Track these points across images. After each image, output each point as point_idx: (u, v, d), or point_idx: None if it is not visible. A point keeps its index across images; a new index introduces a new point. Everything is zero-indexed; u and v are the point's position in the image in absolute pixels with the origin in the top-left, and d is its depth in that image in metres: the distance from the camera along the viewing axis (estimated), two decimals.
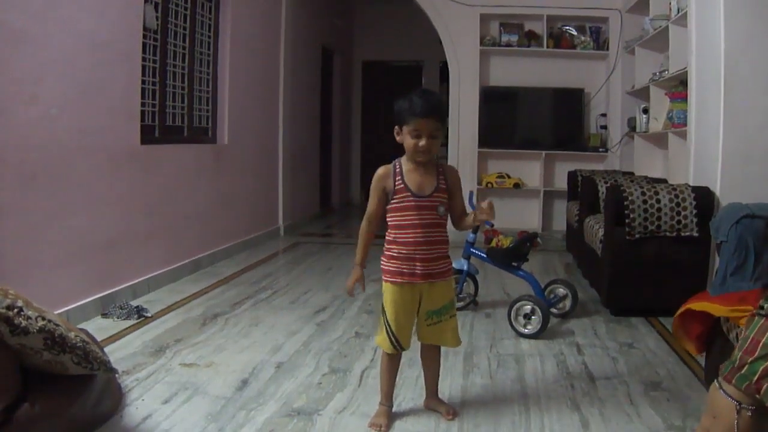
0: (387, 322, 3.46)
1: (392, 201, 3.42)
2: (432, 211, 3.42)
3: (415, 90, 3.40)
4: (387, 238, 3.49)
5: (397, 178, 3.42)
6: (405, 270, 3.42)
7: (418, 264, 3.42)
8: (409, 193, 3.39)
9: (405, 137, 3.36)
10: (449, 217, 3.57)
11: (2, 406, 2.91)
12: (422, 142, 3.31)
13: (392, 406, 3.63)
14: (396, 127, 3.40)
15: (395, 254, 3.44)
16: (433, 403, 3.72)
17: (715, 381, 2.40)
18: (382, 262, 3.49)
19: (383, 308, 3.49)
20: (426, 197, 3.41)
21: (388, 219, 3.48)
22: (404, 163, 3.46)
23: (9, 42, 4.43)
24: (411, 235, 3.41)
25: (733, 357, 2.35)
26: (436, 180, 3.45)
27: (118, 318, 5.25)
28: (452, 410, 3.65)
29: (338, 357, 4.52)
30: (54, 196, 4.88)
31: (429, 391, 3.75)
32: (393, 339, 3.46)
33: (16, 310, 3.06)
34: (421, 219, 3.40)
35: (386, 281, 3.48)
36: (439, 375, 3.75)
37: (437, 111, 3.36)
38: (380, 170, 3.46)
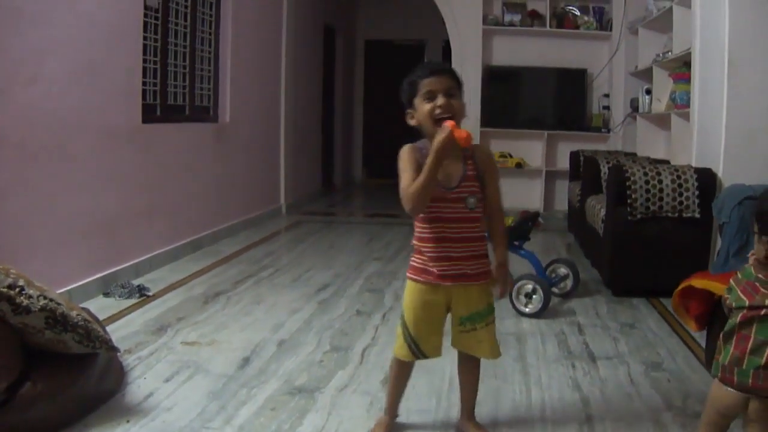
0: (404, 325, 3.07)
1: None
2: (460, 204, 2.97)
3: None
4: (416, 233, 3.06)
5: (425, 162, 2.88)
6: (430, 268, 3.00)
7: (445, 264, 2.98)
8: (445, 181, 2.96)
9: (420, 109, 2.95)
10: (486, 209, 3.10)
11: (5, 384, 2.92)
12: (439, 101, 2.89)
13: (396, 417, 3.30)
14: (408, 110, 3.03)
15: (425, 250, 3.01)
16: (467, 426, 3.28)
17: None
18: (411, 259, 3.11)
19: (402, 310, 3.11)
20: (453, 189, 2.96)
21: None
22: (426, 145, 2.95)
23: (9, 21, 4.42)
24: (438, 231, 2.97)
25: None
26: (463, 165, 2.99)
27: (119, 297, 5.26)
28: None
29: (340, 335, 4.53)
30: (55, 175, 4.87)
31: (464, 410, 3.31)
32: (412, 345, 3.06)
33: (17, 289, 3.07)
34: (450, 213, 2.96)
35: (409, 279, 3.08)
36: (476, 392, 3.31)
37: (448, 69, 3.01)
38: (407, 147, 2.97)
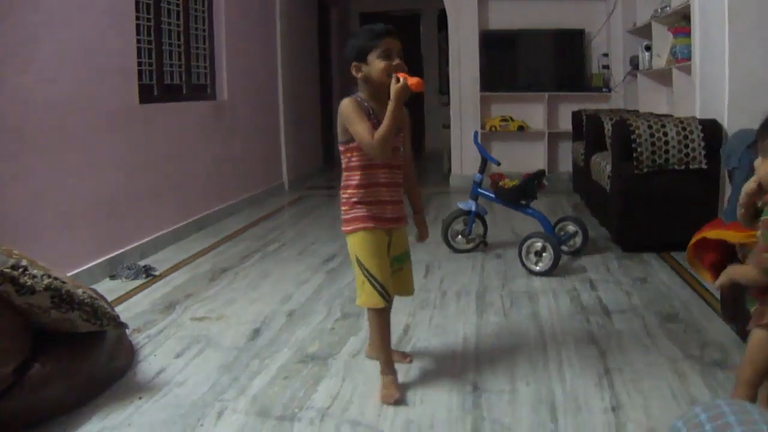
0: (369, 274, 3.17)
1: None
2: (396, 152, 3.23)
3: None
4: (349, 182, 3.20)
5: (369, 113, 3.13)
6: (377, 214, 3.19)
7: (387, 207, 3.22)
8: None
9: (372, 65, 3.09)
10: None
11: (13, 366, 2.89)
12: (396, 61, 3.08)
13: (396, 373, 3.31)
14: (354, 63, 3.14)
15: (364, 199, 3.18)
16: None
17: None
18: (344, 211, 3.22)
19: (359, 262, 3.19)
20: (399, 137, 3.22)
21: (350, 159, 3.18)
22: (368, 98, 3.17)
23: (0, 6, 4.37)
24: (381, 177, 3.19)
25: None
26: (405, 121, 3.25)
27: (126, 279, 5.22)
28: (408, 356, 3.61)
29: (350, 302, 4.48)
30: (55, 159, 4.83)
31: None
32: (381, 289, 3.17)
33: (21, 270, 3.03)
34: (389, 160, 3.19)
35: (356, 230, 3.19)
36: None
37: (396, 32, 3.16)
38: (350, 100, 3.14)
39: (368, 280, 3.17)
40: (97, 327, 3.26)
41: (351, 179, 3.19)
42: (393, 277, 3.28)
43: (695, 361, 3.44)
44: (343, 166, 3.22)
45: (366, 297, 3.20)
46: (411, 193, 3.49)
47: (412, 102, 3.18)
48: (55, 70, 4.85)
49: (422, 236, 3.57)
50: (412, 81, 3.01)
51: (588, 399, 3.07)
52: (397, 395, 3.15)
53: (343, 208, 3.23)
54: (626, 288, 4.69)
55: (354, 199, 3.18)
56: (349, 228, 3.21)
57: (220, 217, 7.50)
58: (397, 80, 3.00)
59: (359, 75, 3.15)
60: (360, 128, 3.05)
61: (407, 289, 3.45)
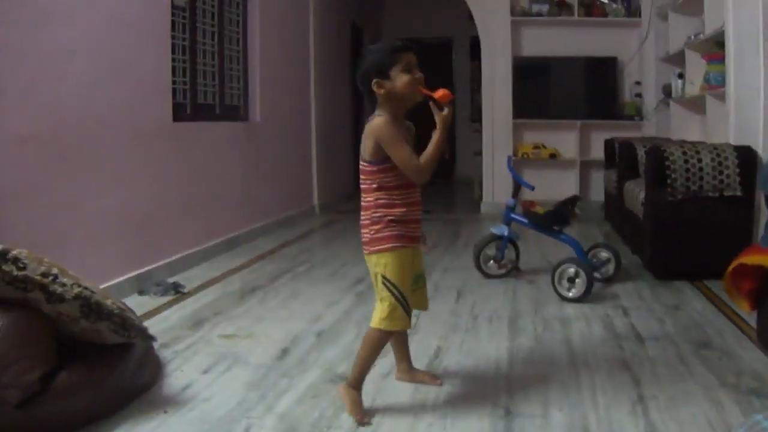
0: (401, 295, 3.10)
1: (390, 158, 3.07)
2: None
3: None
4: (380, 201, 3.13)
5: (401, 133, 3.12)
6: (409, 233, 3.16)
7: (416, 225, 3.22)
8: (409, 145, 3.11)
9: (396, 79, 3.06)
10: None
11: (39, 374, 2.87)
12: (417, 74, 3.09)
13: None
14: (375, 80, 3.08)
15: (401, 218, 3.12)
16: (415, 375, 3.55)
17: None
18: (375, 230, 3.13)
19: (389, 282, 3.10)
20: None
21: (382, 179, 3.12)
22: (389, 115, 3.11)
23: (35, 19, 4.39)
24: (411, 196, 3.17)
25: None
26: (409, 132, 3.24)
27: (155, 295, 5.20)
28: (437, 378, 3.56)
29: None
30: (87, 174, 4.84)
31: (408, 362, 3.57)
32: (408, 311, 3.15)
33: (51, 277, 3.03)
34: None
35: (392, 249, 3.10)
36: None
37: (413, 47, 3.15)
38: (384, 118, 3.07)
39: (400, 302, 3.11)
40: (124, 339, 3.24)
41: (384, 198, 3.13)
42: (415, 295, 3.29)
43: (731, 389, 3.37)
44: (372, 185, 3.16)
45: (394, 320, 3.13)
46: None
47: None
48: (90, 85, 4.87)
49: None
50: (440, 94, 3.04)
51: (622, 426, 3.01)
52: (366, 418, 3.12)
53: (373, 227, 3.13)
54: (659, 315, 4.62)
55: (390, 218, 3.11)
56: (382, 247, 3.11)
57: (250, 238, 7.49)
58: (440, 108, 3.04)
59: (382, 91, 3.10)
60: (403, 152, 3.03)
61: (425, 305, 3.49)
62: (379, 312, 3.15)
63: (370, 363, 3.24)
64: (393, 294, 3.10)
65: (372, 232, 3.14)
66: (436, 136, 3.05)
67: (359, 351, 3.24)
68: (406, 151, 3.03)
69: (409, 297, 3.14)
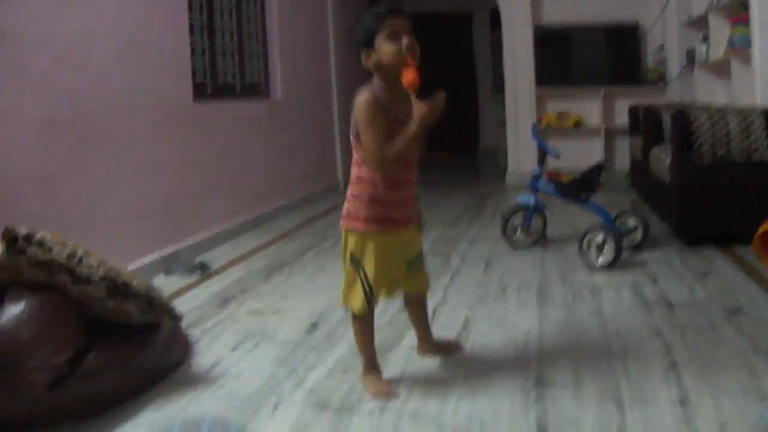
0: (365, 278, 3.02)
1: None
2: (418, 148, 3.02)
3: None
4: (361, 176, 3.00)
5: (387, 108, 2.91)
6: (394, 215, 3.02)
7: (405, 207, 3.07)
8: (402, 125, 2.88)
9: (381, 49, 2.86)
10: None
11: (68, 356, 2.87)
12: (405, 40, 2.82)
13: (381, 369, 3.24)
14: (363, 50, 2.92)
15: (382, 198, 2.98)
16: (434, 346, 3.48)
17: None
18: (353, 207, 3.03)
19: (355, 261, 3.04)
20: None
21: (363, 155, 2.97)
22: (381, 90, 2.93)
23: (54, 3, 4.41)
24: (402, 175, 3.00)
25: None
26: (410, 107, 2.87)
27: (181, 274, 5.21)
28: (457, 344, 3.55)
29: None
30: (110, 156, 4.86)
31: (427, 337, 3.47)
32: (369, 298, 3.05)
33: (77, 260, 3.03)
34: (413, 158, 3.03)
35: (363, 230, 3.00)
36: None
37: (404, 10, 2.91)
38: (369, 99, 2.87)
39: (361, 283, 3.03)
40: (152, 318, 3.25)
41: (365, 175, 2.99)
42: (413, 279, 3.24)
43: (764, 355, 3.32)
44: (356, 159, 3.02)
45: (353, 299, 3.08)
46: None
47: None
48: (111, 67, 4.88)
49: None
50: (406, 77, 2.79)
51: (655, 392, 2.98)
52: (388, 390, 3.08)
53: (353, 203, 3.03)
54: (689, 282, 4.57)
55: (368, 198, 2.98)
56: (355, 225, 3.03)
57: (275, 215, 7.50)
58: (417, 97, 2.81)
59: (370, 62, 2.93)
60: (370, 136, 2.85)
61: (425, 288, 3.39)
62: (342, 289, 3.14)
63: (362, 343, 3.20)
64: (357, 273, 3.05)
65: (351, 207, 3.05)
66: (409, 130, 2.83)
67: None
68: (375, 138, 2.84)
69: (374, 283, 3.03)
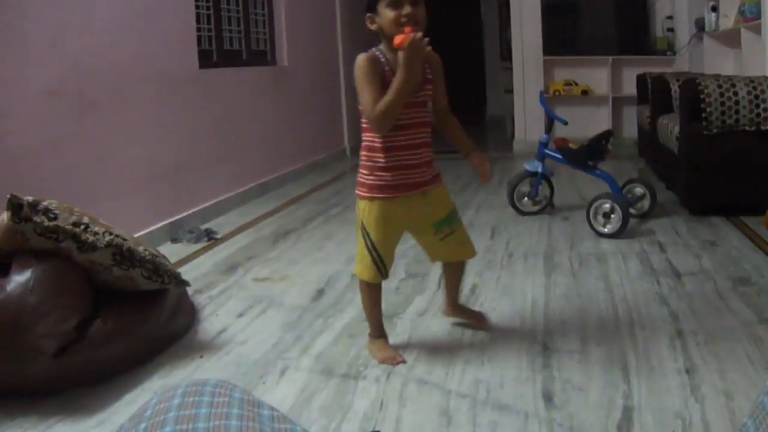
0: (372, 246, 3.01)
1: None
2: (423, 107, 2.98)
3: None
4: (372, 144, 2.97)
5: (386, 69, 2.89)
6: (395, 181, 2.96)
7: (409, 172, 2.98)
8: None
9: (382, 15, 2.84)
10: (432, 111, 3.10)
11: (74, 323, 2.88)
12: (405, 10, 2.79)
13: (386, 334, 3.23)
14: (368, 15, 2.91)
15: (382, 164, 2.95)
16: (457, 311, 3.44)
17: None
18: (363, 175, 3.02)
19: (364, 230, 3.02)
20: (418, 93, 2.93)
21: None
22: (386, 51, 2.93)
23: None
24: (402, 139, 2.94)
25: None
26: (422, 70, 2.93)
27: (188, 242, 5.22)
28: (482, 316, 3.45)
29: (414, 263, 4.41)
30: (116, 124, 4.84)
31: (451, 299, 3.42)
32: (380, 264, 3.04)
33: (82, 227, 3.03)
34: (412, 118, 2.93)
35: (368, 198, 2.99)
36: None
37: None
38: (364, 57, 2.88)
39: (369, 252, 3.03)
40: (158, 285, 3.24)
41: (374, 142, 2.96)
42: (444, 245, 3.17)
43: None
44: (364, 125, 2.99)
45: (362, 268, 3.08)
46: (456, 137, 3.24)
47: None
48: (114, 35, 4.85)
49: (484, 173, 3.32)
50: (397, 41, 2.76)
51: (661, 361, 2.98)
52: (399, 357, 3.08)
53: (362, 171, 3.03)
54: (696, 251, 4.56)
55: (376, 164, 2.97)
56: (363, 193, 3.02)
57: (281, 182, 7.50)
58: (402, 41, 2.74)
59: (374, 27, 2.92)
60: (366, 95, 2.84)
61: (465, 252, 3.29)
62: (355, 257, 3.14)
63: (369, 310, 3.19)
64: (365, 242, 3.03)
65: (360, 176, 3.05)
66: (395, 81, 2.80)
67: None
68: (369, 95, 2.83)
69: (383, 251, 3.03)
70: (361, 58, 2.88)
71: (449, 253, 3.25)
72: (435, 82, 3.05)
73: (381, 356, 3.09)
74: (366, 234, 3.02)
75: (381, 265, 3.05)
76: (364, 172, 3.01)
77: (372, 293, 3.16)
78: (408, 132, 2.95)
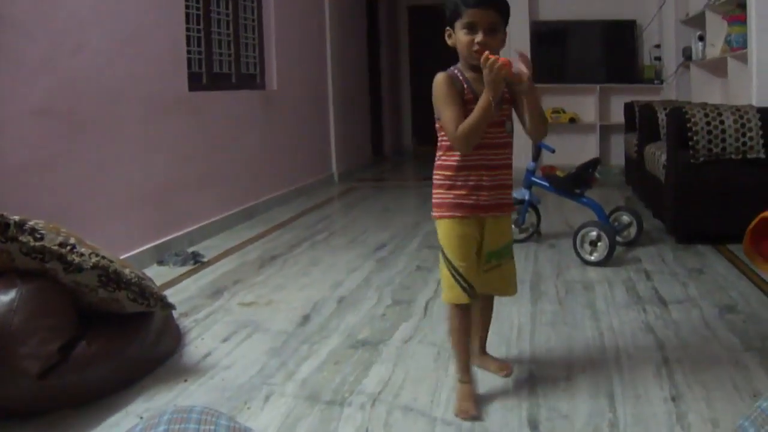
0: (452, 266, 2.87)
1: None
2: (500, 128, 2.86)
3: None
4: (447, 162, 2.87)
5: (465, 87, 2.81)
6: (468, 201, 2.84)
7: (483, 193, 2.85)
8: None
9: (458, 36, 2.78)
10: (523, 129, 2.91)
11: (58, 345, 2.86)
12: (478, 38, 2.71)
13: (474, 381, 3.01)
14: (447, 29, 2.83)
15: (458, 182, 2.85)
16: (484, 360, 3.22)
17: None
18: (436, 195, 2.92)
19: (443, 252, 2.90)
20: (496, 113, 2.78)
21: (442, 137, 2.88)
22: (464, 70, 2.85)
23: None
24: (478, 159, 2.82)
25: None
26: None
27: (174, 265, 5.19)
28: (507, 366, 3.22)
29: (401, 289, 4.43)
30: (104, 145, 4.84)
31: (480, 345, 3.22)
32: (465, 284, 2.85)
33: (69, 247, 3.02)
34: (490, 138, 2.81)
35: (443, 217, 2.89)
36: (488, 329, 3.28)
37: (495, 2, 2.76)
38: (443, 76, 2.81)
39: (451, 273, 2.88)
40: (144, 307, 3.22)
41: (449, 160, 2.88)
42: (489, 276, 3.00)
43: (756, 352, 3.32)
44: (440, 143, 2.92)
45: (450, 294, 2.91)
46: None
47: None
48: (105, 56, 4.86)
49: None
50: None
51: (647, 389, 2.98)
52: (472, 410, 2.82)
53: (435, 191, 2.93)
54: (682, 279, 4.57)
55: (449, 183, 2.88)
56: (437, 213, 2.92)
57: (269, 207, 7.48)
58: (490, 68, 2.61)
59: (450, 41, 2.86)
60: (446, 114, 2.77)
61: (506, 288, 3.12)
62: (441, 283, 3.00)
63: (457, 341, 2.97)
64: (445, 264, 2.90)
65: (434, 196, 2.95)
66: (479, 102, 2.69)
67: None
68: (450, 114, 2.75)
69: (464, 270, 2.86)
70: (440, 77, 2.82)
71: (489, 287, 3.07)
72: (516, 98, 2.90)
73: (456, 405, 2.88)
74: (444, 255, 2.91)
75: (464, 284, 2.87)
76: (440, 191, 2.92)
77: (461, 318, 2.94)
78: (488, 152, 2.86)
